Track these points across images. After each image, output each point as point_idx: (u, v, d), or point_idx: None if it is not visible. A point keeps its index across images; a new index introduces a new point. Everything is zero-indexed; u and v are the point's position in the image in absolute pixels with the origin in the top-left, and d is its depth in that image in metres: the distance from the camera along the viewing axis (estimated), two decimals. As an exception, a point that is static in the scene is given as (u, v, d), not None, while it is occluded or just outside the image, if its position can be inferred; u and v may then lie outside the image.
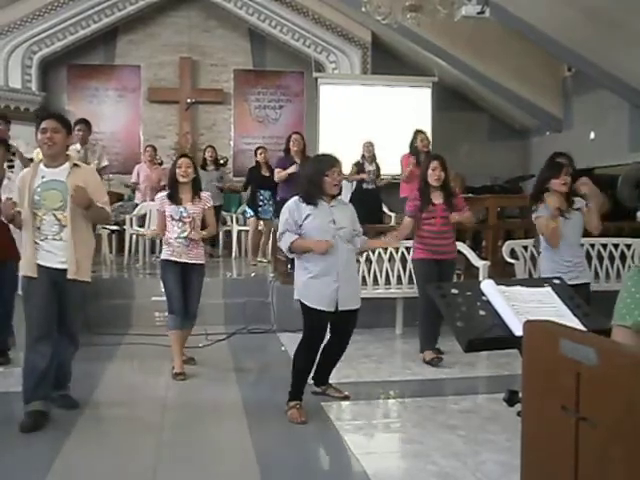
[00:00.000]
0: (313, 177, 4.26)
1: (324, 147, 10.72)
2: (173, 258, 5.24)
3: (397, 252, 6.69)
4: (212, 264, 9.16)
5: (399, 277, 6.70)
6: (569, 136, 10.96)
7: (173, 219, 5.24)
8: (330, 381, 4.70)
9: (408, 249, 6.33)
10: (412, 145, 7.81)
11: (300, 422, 4.13)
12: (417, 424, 4.17)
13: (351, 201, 7.95)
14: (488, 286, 2.39)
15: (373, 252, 6.63)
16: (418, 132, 7.91)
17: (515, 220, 8.74)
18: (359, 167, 8.77)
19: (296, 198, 4.30)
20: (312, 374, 4.52)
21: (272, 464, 3.57)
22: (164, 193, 5.41)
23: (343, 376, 4.98)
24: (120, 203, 9.96)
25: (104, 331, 6.35)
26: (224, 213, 10.35)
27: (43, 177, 4.19)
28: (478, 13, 8.24)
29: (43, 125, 4.18)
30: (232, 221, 10.34)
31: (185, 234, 5.22)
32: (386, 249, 6.63)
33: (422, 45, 10.67)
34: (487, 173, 11.23)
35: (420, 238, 5.65)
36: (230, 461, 3.66)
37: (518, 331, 2.09)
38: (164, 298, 7.14)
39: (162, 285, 5.41)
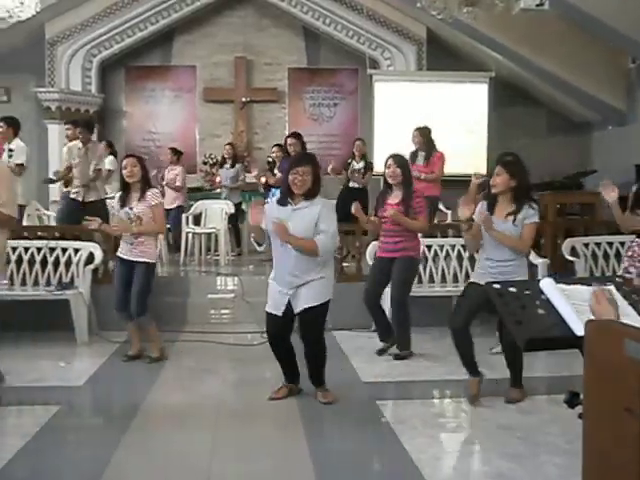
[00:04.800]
0: (285, 176, 4.44)
1: (379, 145, 10.67)
2: (120, 255, 5.51)
3: (453, 250, 6.62)
4: (256, 263, 9.07)
5: (455, 275, 6.62)
6: (633, 130, 10.61)
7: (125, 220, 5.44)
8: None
9: (464, 247, 6.24)
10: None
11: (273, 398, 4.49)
12: (473, 424, 4.11)
13: (338, 199, 8.23)
14: (547, 284, 2.34)
15: (429, 249, 6.58)
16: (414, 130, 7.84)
17: (575, 217, 8.53)
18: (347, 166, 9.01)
19: (274, 199, 4.56)
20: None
21: (326, 464, 3.56)
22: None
23: (399, 374, 4.94)
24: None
25: (160, 328, 6.43)
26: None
27: None
28: (537, 5, 8.05)
29: None
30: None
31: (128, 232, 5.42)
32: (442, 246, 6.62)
33: (479, 40, 10.48)
34: (546, 169, 10.97)
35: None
36: (284, 460, 3.66)
37: (579, 331, 2.03)
38: (220, 296, 7.23)
39: None
